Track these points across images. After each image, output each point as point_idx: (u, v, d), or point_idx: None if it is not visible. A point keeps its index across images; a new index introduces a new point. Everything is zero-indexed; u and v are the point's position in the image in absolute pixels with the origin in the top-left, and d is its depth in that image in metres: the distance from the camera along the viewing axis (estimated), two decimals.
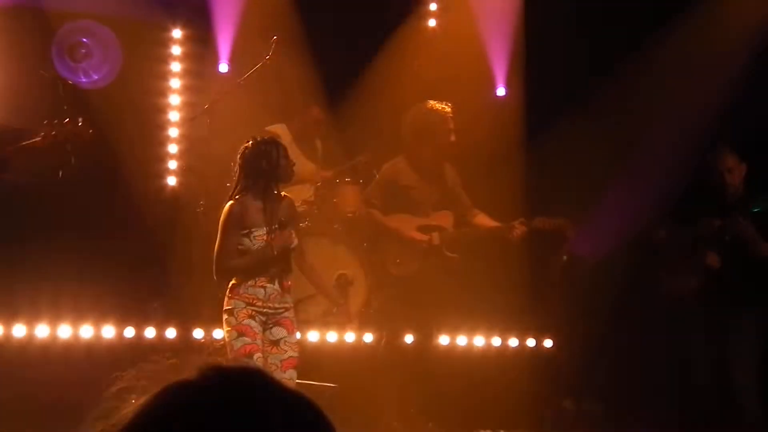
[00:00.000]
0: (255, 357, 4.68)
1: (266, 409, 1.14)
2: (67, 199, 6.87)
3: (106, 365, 5.93)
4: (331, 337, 6.56)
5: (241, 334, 4.72)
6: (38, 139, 5.46)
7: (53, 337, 6.16)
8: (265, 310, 4.79)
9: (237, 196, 4.78)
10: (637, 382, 7.06)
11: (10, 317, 6.28)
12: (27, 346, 6.10)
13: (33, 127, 5.65)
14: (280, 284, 4.83)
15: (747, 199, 5.89)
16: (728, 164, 5.87)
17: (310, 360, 5.98)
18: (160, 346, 6.23)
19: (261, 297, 4.78)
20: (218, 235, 4.78)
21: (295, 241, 4.89)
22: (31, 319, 6.29)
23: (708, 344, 5.90)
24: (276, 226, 4.79)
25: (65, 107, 5.76)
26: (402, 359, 6.30)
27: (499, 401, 6.64)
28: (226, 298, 4.81)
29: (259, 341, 4.74)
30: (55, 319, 6.34)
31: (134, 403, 1.16)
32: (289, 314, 4.89)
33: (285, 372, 4.75)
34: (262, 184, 4.79)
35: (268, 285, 4.79)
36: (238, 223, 4.73)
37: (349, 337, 6.61)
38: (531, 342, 7.15)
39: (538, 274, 7.46)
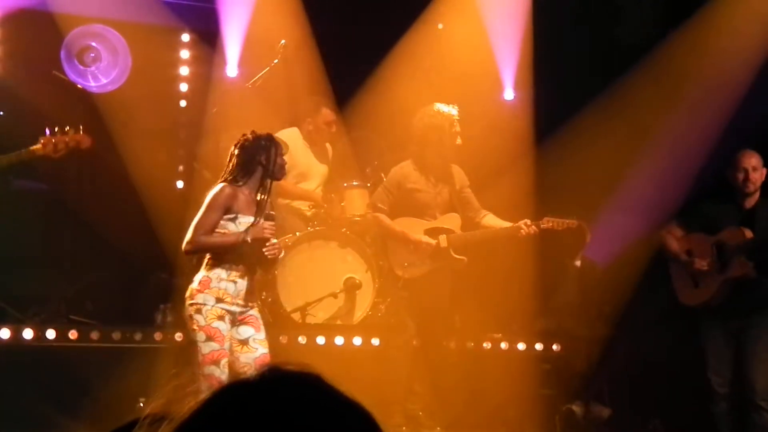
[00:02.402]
0: (221, 364, 4.61)
1: (322, 414, 1.13)
2: (76, 202, 6.90)
3: (113, 368, 5.96)
4: (339, 340, 6.56)
5: (209, 338, 4.62)
6: (38, 146, 5.48)
7: (61, 340, 6.17)
8: (233, 307, 4.71)
9: (230, 182, 4.76)
10: (645, 387, 7.03)
11: (19, 321, 6.30)
12: (35, 349, 6.12)
13: (37, 132, 5.68)
14: (250, 280, 4.79)
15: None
16: (753, 162, 5.78)
17: (318, 363, 5.97)
18: (167, 349, 6.24)
19: (231, 292, 4.70)
20: (201, 210, 4.70)
21: (273, 239, 4.83)
22: (39, 323, 6.32)
23: (725, 348, 5.81)
24: (259, 220, 4.74)
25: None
26: (410, 362, 6.29)
27: (507, 405, 6.63)
28: (193, 290, 4.69)
29: (227, 345, 4.65)
30: (63, 323, 6.36)
31: (192, 401, 1.16)
32: (255, 312, 4.84)
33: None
34: (257, 178, 4.79)
35: (239, 280, 4.73)
36: (225, 204, 4.68)
37: (357, 340, 6.62)
38: (539, 346, 7.12)
39: (548, 278, 7.45)
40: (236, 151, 4.82)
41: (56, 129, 5.53)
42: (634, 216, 7.36)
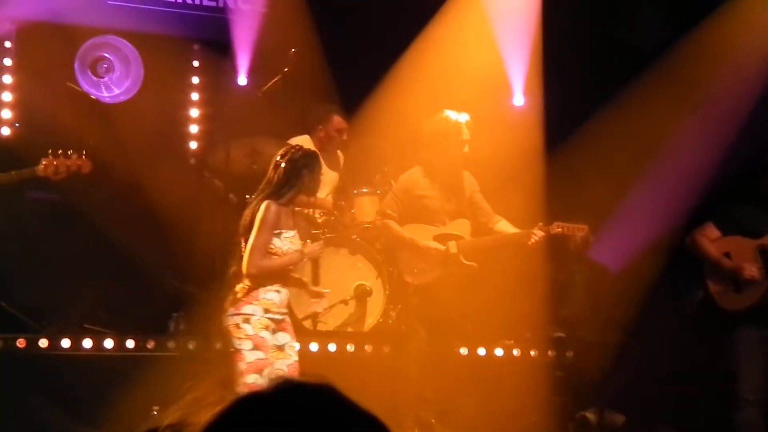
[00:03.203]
0: (264, 373, 4.69)
1: (338, 426, 1.15)
2: (89, 211, 6.94)
3: (127, 376, 6.00)
4: (350, 347, 6.58)
5: (256, 347, 4.72)
6: (40, 167, 5.53)
7: (76, 349, 6.21)
8: (276, 316, 4.82)
9: (274, 197, 4.82)
10: (659, 394, 7.01)
11: (34, 330, 6.34)
12: (50, 358, 6.15)
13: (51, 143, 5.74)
14: (288, 288, 4.92)
15: None
16: None
17: (330, 370, 6.00)
18: (180, 357, 6.27)
19: (276, 301, 4.82)
20: (256, 231, 4.77)
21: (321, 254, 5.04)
22: (56, 332, 6.36)
23: (759, 355, 5.76)
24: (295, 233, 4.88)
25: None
26: (421, 369, 6.29)
27: (520, 412, 6.62)
28: (240, 301, 4.77)
29: (269, 354, 4.76)
30: (77, 332, 6.40)
31: (207, 413, 1.18)
32: (288, 318, 4.97)
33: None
34: (295, 193, 4.86)
35: (282, 289, 4.85)
36: (276, 222, 4.78)
37: (368, 347, 6.63)
38: (552, 352, 7.11)
39: (558, 284, 7.44)
40: (283, 163, 4.87)
41: (59, 151, 5.57)
42: (647, 221, 7.34)
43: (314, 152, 5.06)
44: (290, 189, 4.84)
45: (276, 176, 4.85)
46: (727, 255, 5.76)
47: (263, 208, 4.78)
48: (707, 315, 5.98)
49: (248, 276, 4.80)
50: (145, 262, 7.05)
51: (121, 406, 5.81)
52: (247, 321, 4.73)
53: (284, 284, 4.87)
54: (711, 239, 5.81)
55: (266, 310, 4.77)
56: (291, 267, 4.91)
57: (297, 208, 6.78)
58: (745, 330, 5.74)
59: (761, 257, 5.71)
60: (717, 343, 5.99)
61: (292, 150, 4.93)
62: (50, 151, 5.58)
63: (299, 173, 4.84)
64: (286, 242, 4.81)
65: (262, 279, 4.81)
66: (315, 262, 6.52)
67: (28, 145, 7.18)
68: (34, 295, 6.70)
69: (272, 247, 4.79)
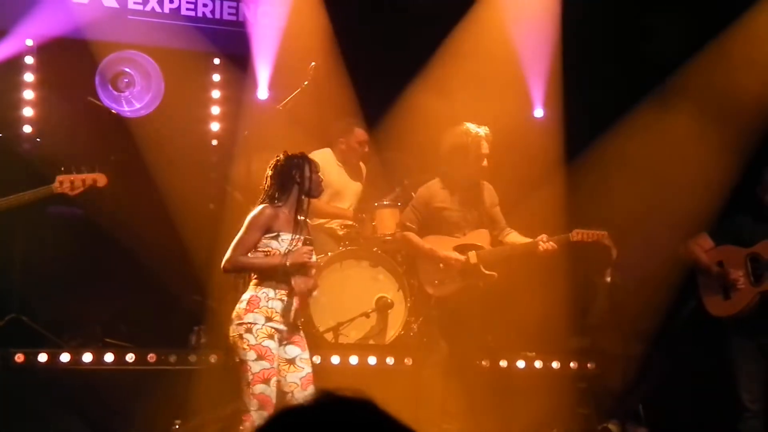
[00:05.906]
0: (271, 382, 4.65)
1: None
2: (110, 225, 6.98)
3: (148, 390, 6.01)
4: (372, 360, 6.56)
5: (260, 357, 4.64)
6: (56, 185, 5.55)
7: (97, 363, 6.22)
8: (281, 326, 4.74)
9: (269, 202, 4.81)
10: (682, 405, 6.96)
11: (56, 345, 6.37)
12: (72, 372, 6.18)
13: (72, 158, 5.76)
14: (295, 300, 4.81)
15: None
16: None
17: (351, 383, 5.98)
18: (202, 371, 6.27)
19: (279, 311, 4.74)
20: (242, 229, 4.76)
21: (314, 262, 4.95)
22: (77, 346, 6.38)
23: (755, 363, 5.73)
24: (299, 237, 4.80)
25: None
26: (443, 381, 6.27)
27: (543, 424, 6.59)
28: (241, 310, 4.71)
29: (275, 363, 4.69)
30: (98, 346, 6.43)
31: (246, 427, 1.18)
32: (299, 331, 4.88)
33: (306, 390, 4.75)
34: (294, 196, 4.85)
35: (287, 298, 4.77)
36: (265, 224, 4.74)
37: (390, 360, 6.61)
38: (574, 364, 7.07)
39: (580, 295, 7.40)
40: (270, 172, 4.89)
41: (72, 167, 5.60)
42: (667, 231, 7.31)
43: (301, 154, 4.99)
44: (284, 191, 4.82)
45: (267, 187, 4.87)
46: (720, 263, 5.80)
47: (256, 210, 4.79)
48: (701, 323, 6.01)
49: (223, 271, 4.78)
50: (165, 276, 7.07)
51: (142, 420, 5.82)
52: (249, 331, 4.67)
53: (291, 293, 4.77)
54: (704, 248, 5.85)
55: (268, 319, 4.69)
56: (271, 270, 4.73)
57: (318, 222, 6.80)
58: (738, 339, 5.77)
59: (750, 265, 5.74)
60: (717, 352, 5.99)
61: (277, 159, 4.93)
62: (63, 167, 5.60)
63: (289, 174, 4.83)
64: (284, 244, 4.75)
65: (256, 288, 4.73)
66: (336, 275, 6.52)
67: (49, 160, 7.24)
68: (56, 310, 6.73)
69: (269, 249, 4.74)
